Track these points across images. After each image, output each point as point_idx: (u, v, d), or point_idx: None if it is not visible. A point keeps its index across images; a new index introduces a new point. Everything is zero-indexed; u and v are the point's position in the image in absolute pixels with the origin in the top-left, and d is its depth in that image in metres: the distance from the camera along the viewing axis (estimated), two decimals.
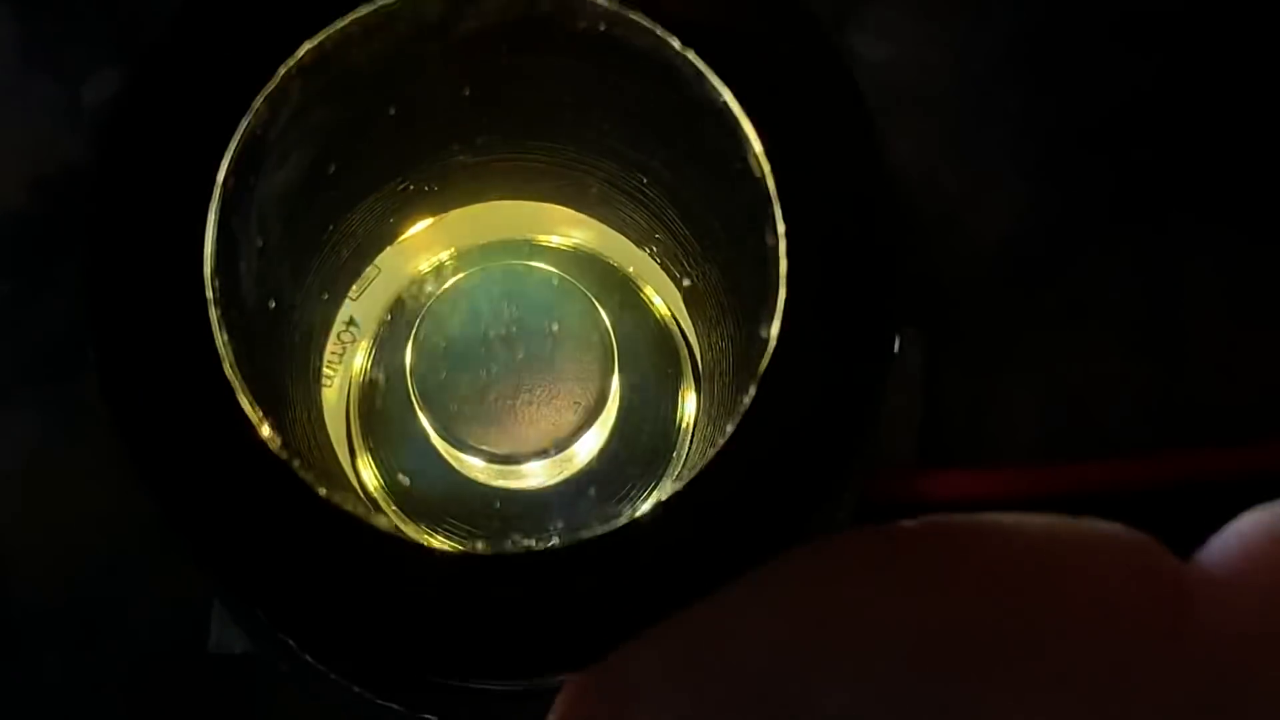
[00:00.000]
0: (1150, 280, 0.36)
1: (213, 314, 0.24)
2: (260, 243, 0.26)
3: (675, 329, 0.31)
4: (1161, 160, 0.37)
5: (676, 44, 0.24)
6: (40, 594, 0.35)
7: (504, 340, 0.29)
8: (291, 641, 0.23)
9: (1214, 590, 0.21)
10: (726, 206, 0.27)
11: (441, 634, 0.23)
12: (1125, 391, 0.36)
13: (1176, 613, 0.21)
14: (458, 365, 0.29)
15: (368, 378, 0.31)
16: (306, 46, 0.25)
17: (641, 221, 0.30)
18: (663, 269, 0.31)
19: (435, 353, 0.29)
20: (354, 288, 0.31)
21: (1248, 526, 0.22)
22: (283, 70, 0.24)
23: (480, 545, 0.29)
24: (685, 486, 0.23)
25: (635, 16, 0.24)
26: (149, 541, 0.34)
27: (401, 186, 0.29)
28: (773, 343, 0.24)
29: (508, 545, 0.28)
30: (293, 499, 0.23)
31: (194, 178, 0.24)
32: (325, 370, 0.30)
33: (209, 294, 0.24)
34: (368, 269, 0.31)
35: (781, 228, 0.24)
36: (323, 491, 0.23)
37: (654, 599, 0.22)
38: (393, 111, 0.27)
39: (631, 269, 0.31)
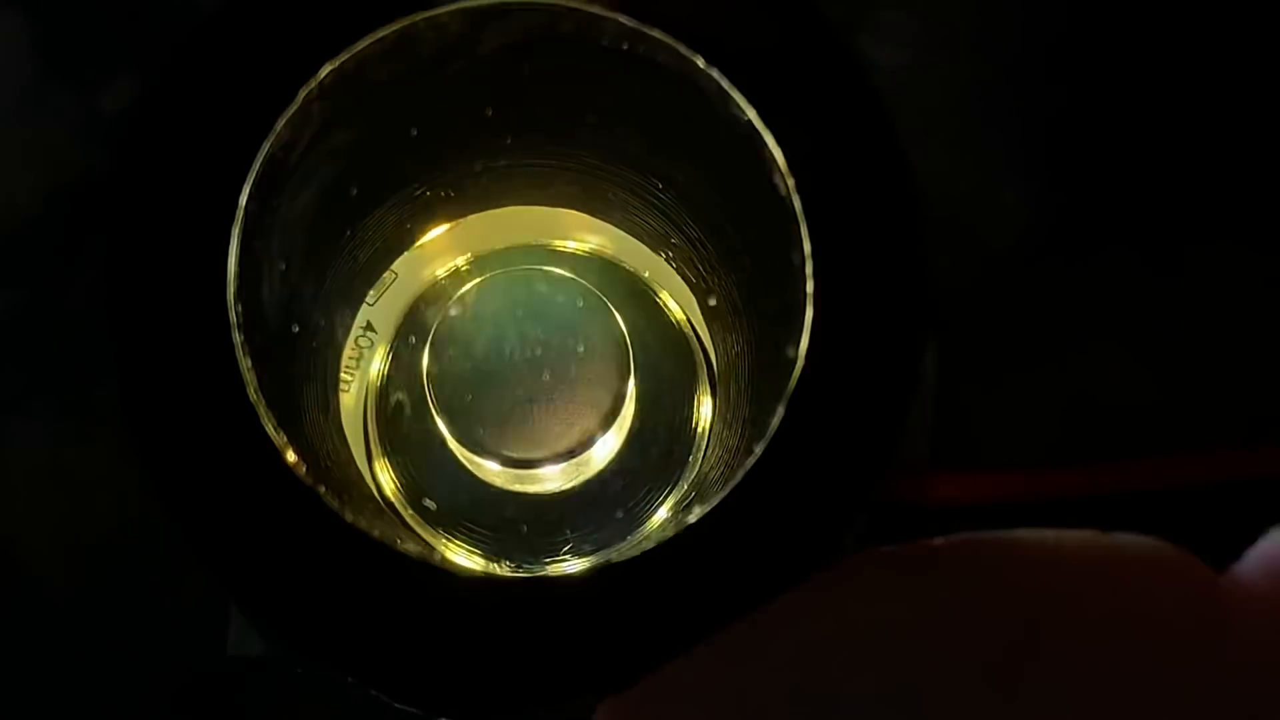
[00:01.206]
0: (1157, 285, 0.36)
1: (236, 339, 0.23)
2: (283, 266, 0.26)
3: (691, 333, 0.31)
4: (1169, 166, 0.37)
5: (701, 62, 0.24)
6: (57, 598, 0.35)
7: (520, 345, 0.29)
8: (318, 664, 0.23)
9: (1251, 603, 0.21)
10: (745, 215, 0.26)
11: (468, 658, 0.23)
12: (1133, 395, 0.36)
13: (1213, 626, 0.21)
14: (474, 370, 0.29)
15: (385, 382, 0.31)
16: (327, 68, 0.24)
17: (657, 226, 0.30)
18: (678, 274, 0.31)
19: (452, 357, 0.29)
20: (371, 293, 0.31)
21: None
22: (303, 92, 0.24)
23: (504, 566, 0.30)
24: (712, 509, 0.23)
25: (658, 35, 0.24)
26: (166, 544, 0.34)
27: (419, 192, 0.29)
28: (800, 363, 0.23)
29: (533, 569, 0.29)
30: (318, 523, 0.23)
31: (216, 201, 0.24)
32: (343, 375, 0.30)
33: (232, 319, 0.23)
34: (385, 274, 0.31)
35: (808, 247, 0.24)
36: (349, 517, 0.23)
37: (679, 620, 0.22)
38: (415, 132, 0.27)
39: (647, 273, 0.31)
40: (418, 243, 0.31)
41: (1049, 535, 0.22)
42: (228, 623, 0.32)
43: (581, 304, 0.29)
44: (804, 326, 0.23)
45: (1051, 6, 0.37)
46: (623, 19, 0.24)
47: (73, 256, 0.36)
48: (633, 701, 0.22)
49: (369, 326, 0.31)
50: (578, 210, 0.31)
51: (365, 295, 0.31)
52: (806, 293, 0.23)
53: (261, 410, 0.23)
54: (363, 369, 0.31)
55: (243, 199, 0.24)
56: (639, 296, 0.31)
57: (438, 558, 0.24)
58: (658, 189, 0.29)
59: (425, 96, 0.26)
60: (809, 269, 0.24)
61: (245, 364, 0.23)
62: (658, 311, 0.31)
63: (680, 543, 0.23)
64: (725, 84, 0.24)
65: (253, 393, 0.23)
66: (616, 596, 0.23)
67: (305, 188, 0.26)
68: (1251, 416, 0.36)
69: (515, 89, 0.26)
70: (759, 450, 0.23)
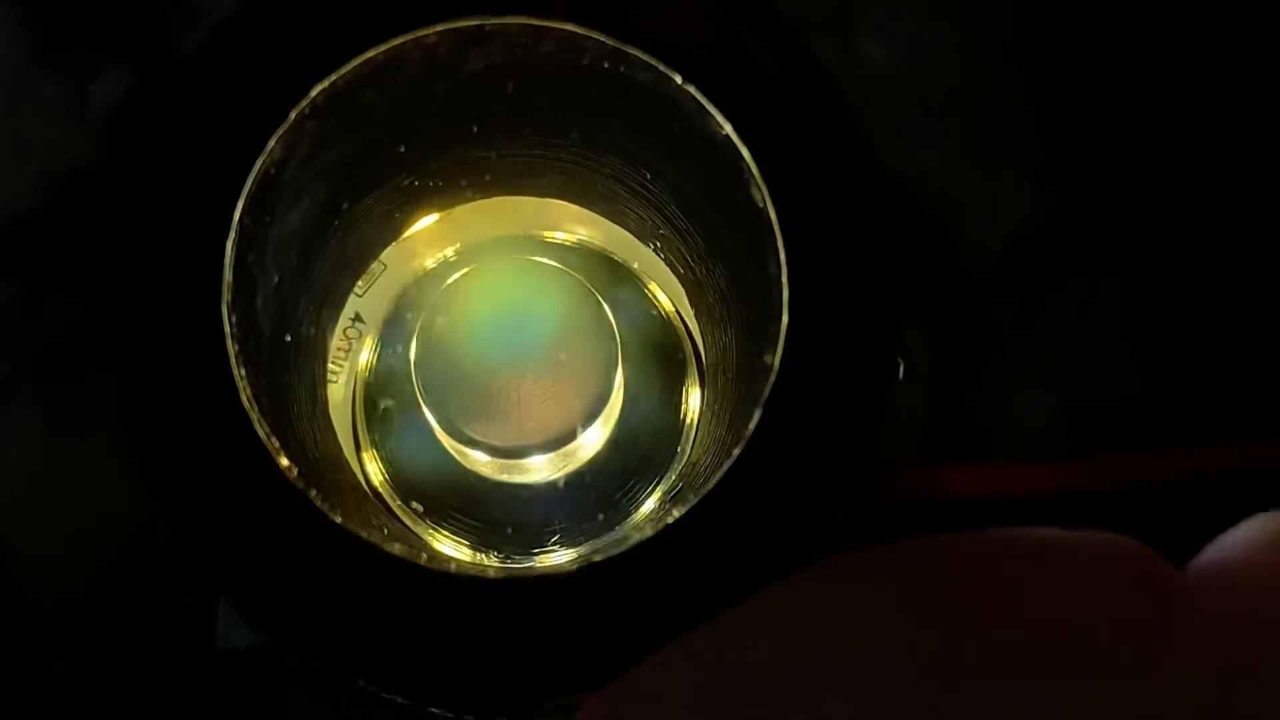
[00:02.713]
0: (1153, 278, 0.36)
1: (230, 348, 0.25)
2: (276, 278, 0.27)
3: (679, 324, 0.31)
4: (1169, 162, 0.37)
5: (678, 79, 0.25)
6: (47, 593, 0.35)
7: (508, 335, 0.29)
8: (310, 661, 0.24)
9: (1207, 595, 0.21)
10: (727, 221, 0.27)
11: (456, 651, 0.24)
12: (1128, 389, 0.36)
13: (1167, 617, 0.21)
14: (462, 360, 0.29)
15: (373, 373, 0.31)
16: (319, 88, 0.25)
17: (645, 217, 0.30)
18: (667, 265, 0.31)
19: (440, 348, 0.29)
20: (359, 283, 0.31)
21: (1245, 532, 0.22)
22: (295, 112, 0.25)
23: (491, 557, 0.30)
24: (691, 508, 0.24)
25: (636, 53, 0.25)
26: (155, 539, 0.34)
27: (407, 182, 0.29)
28: (775, 370, 0.24)
29: (521, 560, 0.29)
30: (309, 523, 0.24)
31: (212, 217, 0.25)
32: (331, 366, 0.30)
33: (227, 329, 0.25)
34: (373, 265, 0.31)
35: (783, 258, 0.25)
36: (339, 519, 0.24)
37: (663, 617, 0.23)
38: (403, 149, 0.28)
39: (636, 264, 0.31)
40: (406, 233, 0.31)
41: (1006, 533, 0.23)
42: (216, 616, 0.32)
43: (570, 295, 0.29)
44: (780, 334, 0.24)
45: (1048, 3, 0.37)
46: (602, 38, 0.25)
47: (62, 249, 0.36)
48: (613, 697, 0.23)
49: (357, 318, 0.31)
50: (566, 201, 0.31)
51: (353, 286, 0.31)
52: (782, 302, 0.24)
53: (254, 417, 0.24)
54: (351, 360, 0.31)
55: (237, 214, 0.25)
56: (628, 288, 0.31)
57: (424, 557, 0.25)
58: (645, 179, 0.29)
59: (413, 114, 0.27)
60: (784, 279, 0.24)
61: (239, 372, 0.24)
62: (646, 303, 0.31)
63: (660, 541, 0.24)
64: (702, 100, 0.25)
65: (246, 400, 0.24)
66: (599, 593, 0.24)
67: (297, 204, 0.27)
68: (1250, 410, 0.36)
69: (500, 106, 0.27)
70: (736, 452, 0.24)
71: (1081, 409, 0.36)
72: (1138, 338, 0.36)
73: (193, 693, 0.34)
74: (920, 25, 0.38)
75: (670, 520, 0.24)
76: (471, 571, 0.25)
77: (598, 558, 0.24)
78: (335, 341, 0.31)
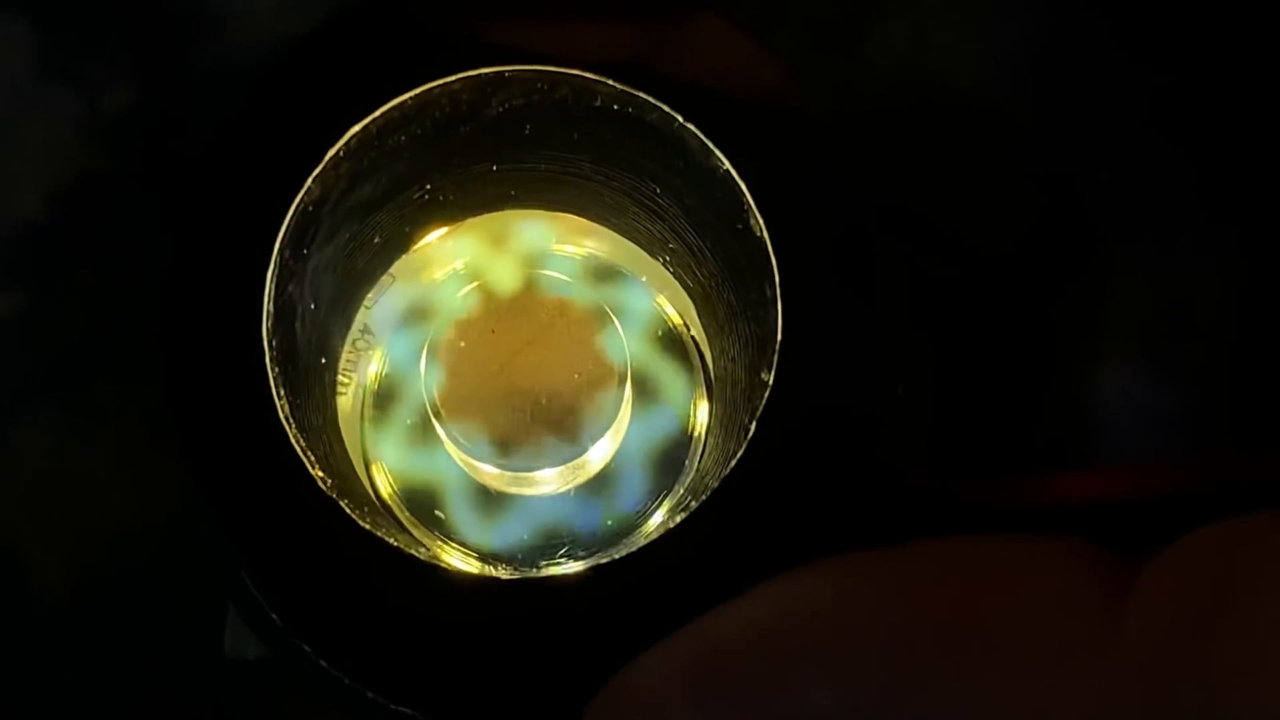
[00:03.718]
0: (1161, 288, 0.36)
1: (270, 371, 0.27)
2: (313, 305, 0.28)
3: (688, 338, 0.31)
4: (1171, 167, 0.37)
5: (679, 119, 0.27)
6: (56, 600, 0.35)
7: (517, 348, 0.29)
8: (327, 665, 0.26)
9: (1148, 598, 0.22)
10: (728, 242, 0.29)
11: (468, 661, 0.26)
12: (1134, 399, 0.36)
13: (1109, 618, 0.22)
14: (471, 373, 0.29)
15: (382, 385, 0.31)
16: (352, 132, 0.28)
17: (655, 232, 0.30)
18: (676, 279, 0.31)
19: (449, 360, 0.29)
20: (369, 296, 0.31)
21: (1191, 538, 0.22)
22: (331, 153, 0.27)
23: (500, 569, 0.30)
24: (692, 514, 0.26)
25: (643, 96, 0.28)
26: (165, 547, 0.34)
27: (418, 195, 0.30)
28: (769, 387, 0.26)
29: (530, 572, 0.30)
30: (331, 530, 0.26)
31: (255, 250, 0.27)
32: (340, 378, 0.31)
33: (267, 352, 0.27)
34: (383, 277, 0.31)
35: (778, 280, 0.27)
36: (368, 525, 0.26)
37: (666, 619, 0.24)
38: (429, 187, 0.30)
39: (645, 277, 0.31)
40: (415, 246, 0.31)
41: (969, 538, 0.24)
42: (224, 626, 0.32)
43: (579, 308, 0.29)
44: (775, 351, 0.26)
45: (1049, 10, 0.38)
46: (612, 84, 0.28)
47: (74, 258, 0.36)
48: (606, 698, 0.24)
49: (366, 330, 0.31)
50: (575, 214, 0.31)
51: (363, 298, 0.31)
52: (777, 322, 0.27)
53: (291, 432, 0.26)
54: (360, 372, 0.31)
55: (277, 248, 0.27)
56: (637, 301, 0.31)
57: (423, 538, 0.26)
58: (655, 193, 0.29)
59: (437, 154, 0.29)
60: (779, 302, 0.27)
61: (278, 392, 0.26)
62: (655, 316, 0.31)
63: (663, 547, 0.26)
64: (703, 138, 0.27)
65: (283, 417, 0.26)
66: (609, 598, 0.25)
67: (333, 238, 0.29)
68: (1257, 421, 0.36)
69: (517, 146, 0.30)
70: (734, 462, 0.26)
71: (1088, 413, 0.36)
72: (1144, 347, 0.36)
73: (200, 702, 0.34)
74: (933, 33, 0.38)
75: (672, 526, 0.26)
76: (488, 575, 0.27)
77: (605, 561, 0.26)
78: (344, 354, 0.31)
